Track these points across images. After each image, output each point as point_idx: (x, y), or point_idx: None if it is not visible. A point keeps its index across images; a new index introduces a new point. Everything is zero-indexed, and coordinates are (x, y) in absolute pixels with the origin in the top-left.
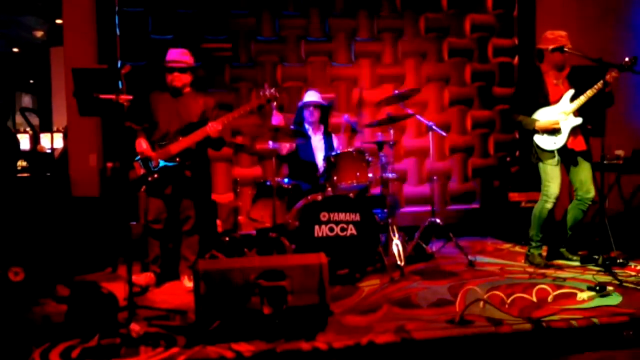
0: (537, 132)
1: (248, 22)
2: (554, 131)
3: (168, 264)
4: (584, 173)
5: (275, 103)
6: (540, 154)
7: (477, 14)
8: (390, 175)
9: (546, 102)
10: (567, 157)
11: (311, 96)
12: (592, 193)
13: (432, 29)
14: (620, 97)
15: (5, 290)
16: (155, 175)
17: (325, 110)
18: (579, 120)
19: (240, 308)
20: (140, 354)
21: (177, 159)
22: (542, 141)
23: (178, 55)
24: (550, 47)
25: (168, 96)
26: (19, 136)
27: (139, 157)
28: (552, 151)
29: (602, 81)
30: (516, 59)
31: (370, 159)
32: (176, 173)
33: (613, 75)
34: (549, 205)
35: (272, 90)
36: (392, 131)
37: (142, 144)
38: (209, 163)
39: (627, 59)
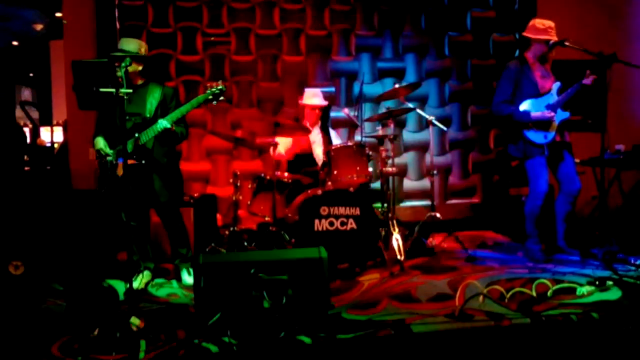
0: (527, 125)
1: (248, 16)
2: (544, 125)
3: (165, 259)
4: (568, 165)
5: (223, 97)
6: (529, 149)
7: (478, 8)
8: (390, 169)
9: (535, 92)
10: (553, 152)
11: (314, 97)
12: (578, 184)
13: (433, 24)
14: (620, 91)
15: (5, 284)
16: (118, 174)
17: (325, 108)
18: (567, 114)
19: (241, 302)
20: (141, 348)
21: (134, 157)
22: (533, 135)
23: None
24: (551, 41)
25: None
26: None
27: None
28: (542, 146)
29: (581, 83)
30: (517, 54)
31: (370, 153)
32: (138, 171)
33: (591, 77)
34: (539, 202)
35: (218, 84)
36: (392, 125)
37: (100, 142)
38: (178, 157)
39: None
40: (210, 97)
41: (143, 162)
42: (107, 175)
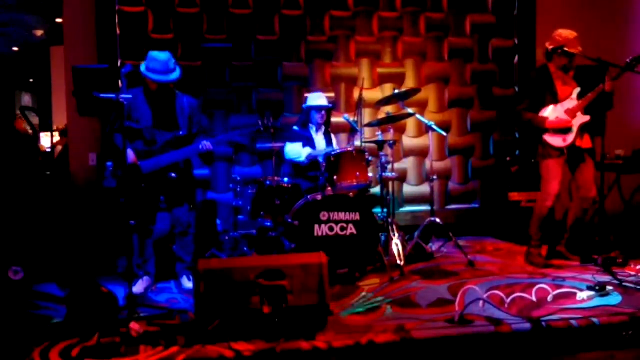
0: (546, 130)
1: (248, 21)
2: (564, 129)
3: (166, 264)
4: (588, 171)
5: (272, 130)
6: (548, 151)
7: (477, 13)
8: (390, 174)
9: (555, 101)
10: (573, 156)
11: (319, 99)
12: (593, 191)
13: (432, 29)
14: (620, 97)
15: (5, 289)
16: (142, 185)
17: (328, 112)
18: (586, 118)
19: (240, 307)
20: (140, 353)
21: (168, 173)
22: (553, 139)
23: (167, 58)
24: (550, 47)
25: (151, 96)
26: None
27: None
28: (561, 149)
29: (601, 86)
30: (516, 59)
31: (370, 158)
32: (161, 179)
33: (610, 84)
34: (549, 204)
35: (271, 120)
36: (392, 131)
37: (129, 153)
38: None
39: (628, 60)
40: (261, 129)
41: (174, 175)
42: (130, 187)
